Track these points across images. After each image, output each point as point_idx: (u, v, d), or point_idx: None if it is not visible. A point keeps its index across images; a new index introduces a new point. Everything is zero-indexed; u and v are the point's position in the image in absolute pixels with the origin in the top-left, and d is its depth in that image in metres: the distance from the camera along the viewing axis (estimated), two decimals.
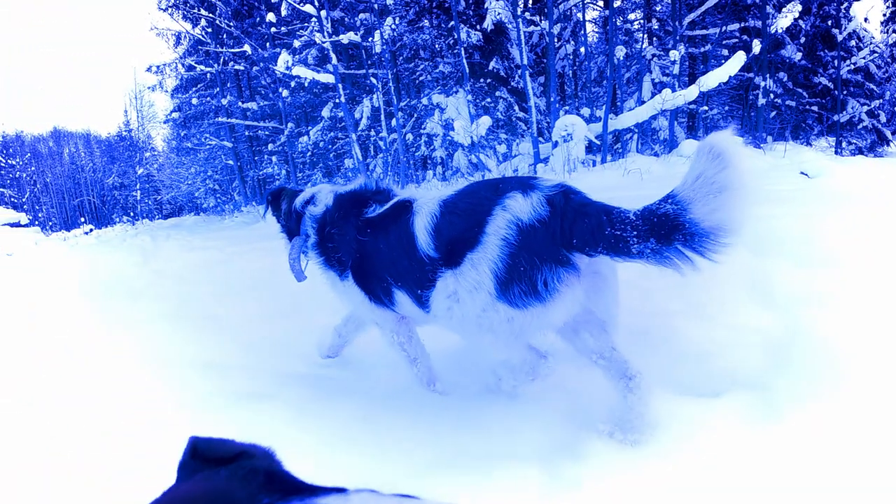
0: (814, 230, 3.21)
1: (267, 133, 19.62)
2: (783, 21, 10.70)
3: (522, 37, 10.19)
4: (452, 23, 14.20)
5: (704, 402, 2.04)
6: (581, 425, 1.85)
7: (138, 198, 35.84)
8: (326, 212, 2.17)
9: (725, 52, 16.45)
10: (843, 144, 16.80)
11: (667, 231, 1.44)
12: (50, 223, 40.16)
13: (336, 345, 2.62)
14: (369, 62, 13.29)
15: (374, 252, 1.97)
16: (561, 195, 1.61)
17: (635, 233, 1.47)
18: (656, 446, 1.82)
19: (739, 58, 10.03)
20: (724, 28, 14.63)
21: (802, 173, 7.37)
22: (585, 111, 11.50)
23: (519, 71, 14.33)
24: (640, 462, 1.72)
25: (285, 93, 15.64)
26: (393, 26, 13.17)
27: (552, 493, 1.56)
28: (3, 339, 4.43)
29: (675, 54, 11.24)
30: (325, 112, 16.68)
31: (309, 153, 17.62)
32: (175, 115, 21.96)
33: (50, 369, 2.96)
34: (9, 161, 45.58)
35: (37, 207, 42.51)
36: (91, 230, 27.21)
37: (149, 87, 23.10)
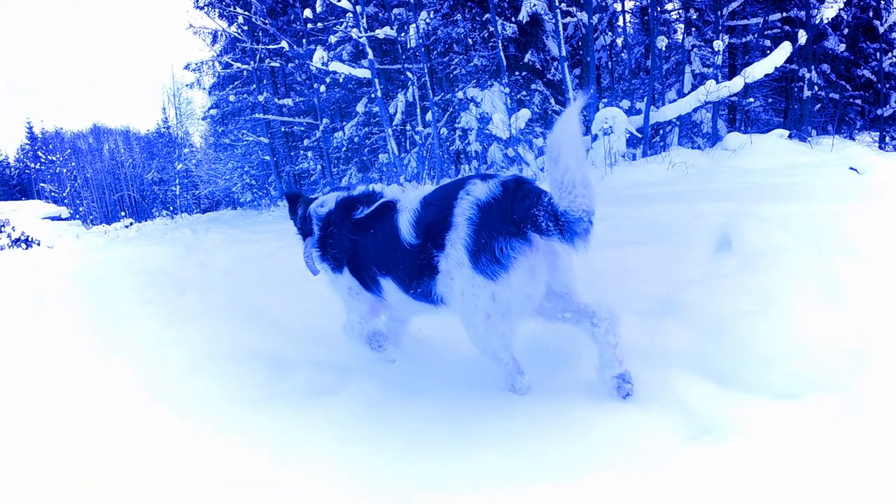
0: (874, 227, 3.08)
1: (302, 129, 19.81)
2: (828, 11, 10.31)
3: (561, 28, 10.04)
4: (487, 16, 14.09)
5: (784, 404, 1.97)
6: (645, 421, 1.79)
7: (177, 192, 36.66)
8: (328, 213, 2.54)
9: (768, 42, 15.96)
10: (887, 139, 16.16)
11: (552, 213, 1.70)
12: (91, 217, 41.32)
13: (385, 342, 2.69)
14: (404, 56, 13.28)
15: (364, 247, 2.30)
16: (513, 181, 1.88)
17: (544, 212, 1.71)
18: (735, 448, 1.76)
19: (785, 48, 9.71)
20: (766, 18, 14.19)
21: (852, 168, 7.10)
22: (625, 103, 11.30)
23: (555, 63, 14.16)
24: (720, 463, 1.66)
25: (322, 88, 15.75)
26: (427, 20, 13.13)
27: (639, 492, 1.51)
28: (65, 332, 4.56)
29: (718, 45, 10.95)
30: (360, 107, 16.75)
31: (344, 148, 17.74)
32: (213, 111, 22.34)
33: (115, 363, 3.02)
34: (49, 157, 47.04)
35: (77, 202, 43.76)
36: (131, 224, 27.95)
37: (187, 85, 23.57)
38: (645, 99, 10.18)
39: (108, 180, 45.31)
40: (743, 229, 3.32)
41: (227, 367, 2.55)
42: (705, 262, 3.06)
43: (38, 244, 15.50)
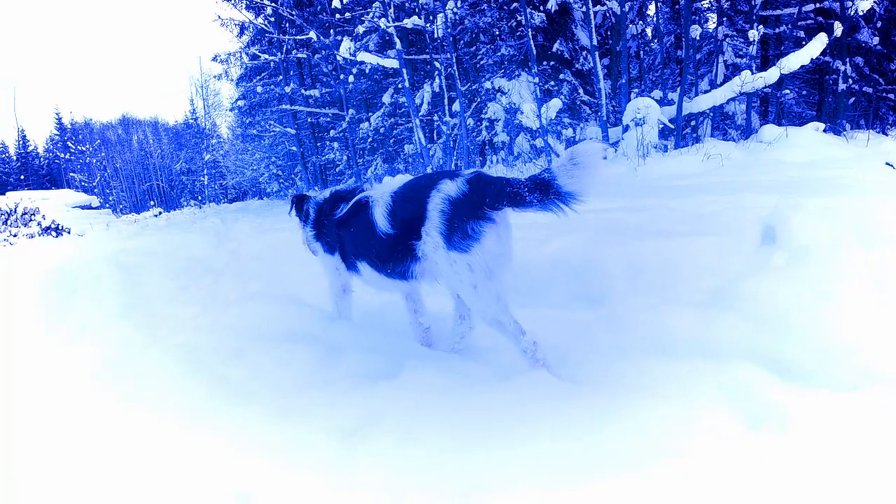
0: None
1: (328, 119, 19.90)
2: (863, 3, 9.99)
3: (592, 16, 9.90)
4: (514, 4, 13.96)
5: (843, 396, 1.92)
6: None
7: (205, 182, 37.13)
8: (322, 206, 3.05)
9: (801, 33, 15.56)
10: None
11: (546, 189, 2.15)
12: (120, 206, 42.08)
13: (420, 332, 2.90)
14: (431, 47, 13.22)
15: (346, 235, 2.79)
16: (476, 177, 2.30)
17: (527, 190, 2.17)
18: (796, 438, 1.72)
19: (821, 40, 9.46)
20: (800, 8, 13.83)
21: (888, 164, 6.93)
22: (657, 94, 11.11)
23: (584, 53, 13.98)
24: (780, 452, 1.63)
25: (351, 79, 15.78)
26: (454, 10, 13.05)
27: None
28: (104, 317, 4.63)
29: (753, 34, 10.70)
30: (386, 98, 16.76)
31: (369, 139, 17.78)
32: (240, 102, 22.55)
33: (158, 347, 3.06)
34: (79, 147, 47.91)
35: (107, 191, 44.56)
36: (160, 213, 28.39)
37: (214, 76, 23.80)
38: (678, 89, 10.00)
39: (137, 170, 46.06)
40: (789, 222, 3.25)
41: (276, 350, 2.57)
42: (754, 254, 3.01)
43: (69, 232, 15.82)
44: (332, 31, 15.91)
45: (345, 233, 2.78)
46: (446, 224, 2.25)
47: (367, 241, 2.56)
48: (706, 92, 11.14)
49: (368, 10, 13.54)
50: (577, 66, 14.17)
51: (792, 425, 1.79)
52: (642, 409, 1.78)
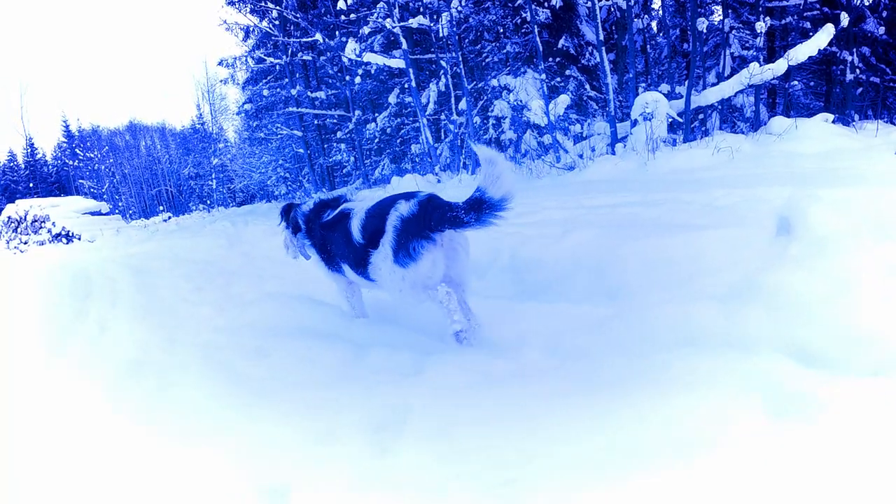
0: None
1: (335, 121, 19.95)
2: None
3: (598, 11, 9.88)
4: (519, 1, 13.94)
5: (870, 381, 1.93)
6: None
7: (213, 187, 37.29)
8: (309, 214, 3.41)
9: (808, 24, 15.45)
10: None
11: (479, 206, 2.38)
12: (130, 212, 42.33)
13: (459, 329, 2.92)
14: (437, 46, 13.23)
15: (331, 242, 3.19)
16: (427, 199, 2.61)
17: (464, 212, 2.41)
18: (825, 424, 1.72)
19: (828, 30, 9.40)
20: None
21: None
22: (664, 88, 11.08)
23: (589, 48, 13.95)
24: (809, 439, 1.63)
25: (357, 80, 15.82)
26: (459, 8, 13.06)
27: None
28: (121, 319, 4.67)
29: (760, 26, 10.64)
30: (392, 98, 16.78)
31: (376, 140, 17.81)
32: (247, 106, 22.65)
33: (179, 347, 3.09)
34: (87, 154, 48.22)
35: (116, 197, 44.86)
36: (169, 217, 28.54)
37: (221, 81, 23.94)
38: (686, 83, 9.96)
39: (145, 176, 46.34)
40: (806, 213, 3.25)
41: (299, 348, 2.59)
42: (771, 245, 3.00)
43: (79, 239, 15.91)
44: (337, 32, 15.97)
45: (330, 238, 3.22)
46: (396, 239, 2.62)
47: (347, 246, 2.99)
48: (714, 85, 11.07)
49: (373, 10, 13.57)
50: (583, 61, 14.14)
51: (820, 412, 1.79)
52: (670, 402, 1.78)
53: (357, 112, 17.70)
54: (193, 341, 3.26)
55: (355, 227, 2.87)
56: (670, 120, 9.02)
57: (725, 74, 12.96)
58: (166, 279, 6.91)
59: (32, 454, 2.03)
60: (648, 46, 17.45)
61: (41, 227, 15.87)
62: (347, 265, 3.07)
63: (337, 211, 3.19)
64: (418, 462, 1.61)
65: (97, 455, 1.97)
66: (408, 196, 2.69)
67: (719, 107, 11.45)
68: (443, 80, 14.05)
